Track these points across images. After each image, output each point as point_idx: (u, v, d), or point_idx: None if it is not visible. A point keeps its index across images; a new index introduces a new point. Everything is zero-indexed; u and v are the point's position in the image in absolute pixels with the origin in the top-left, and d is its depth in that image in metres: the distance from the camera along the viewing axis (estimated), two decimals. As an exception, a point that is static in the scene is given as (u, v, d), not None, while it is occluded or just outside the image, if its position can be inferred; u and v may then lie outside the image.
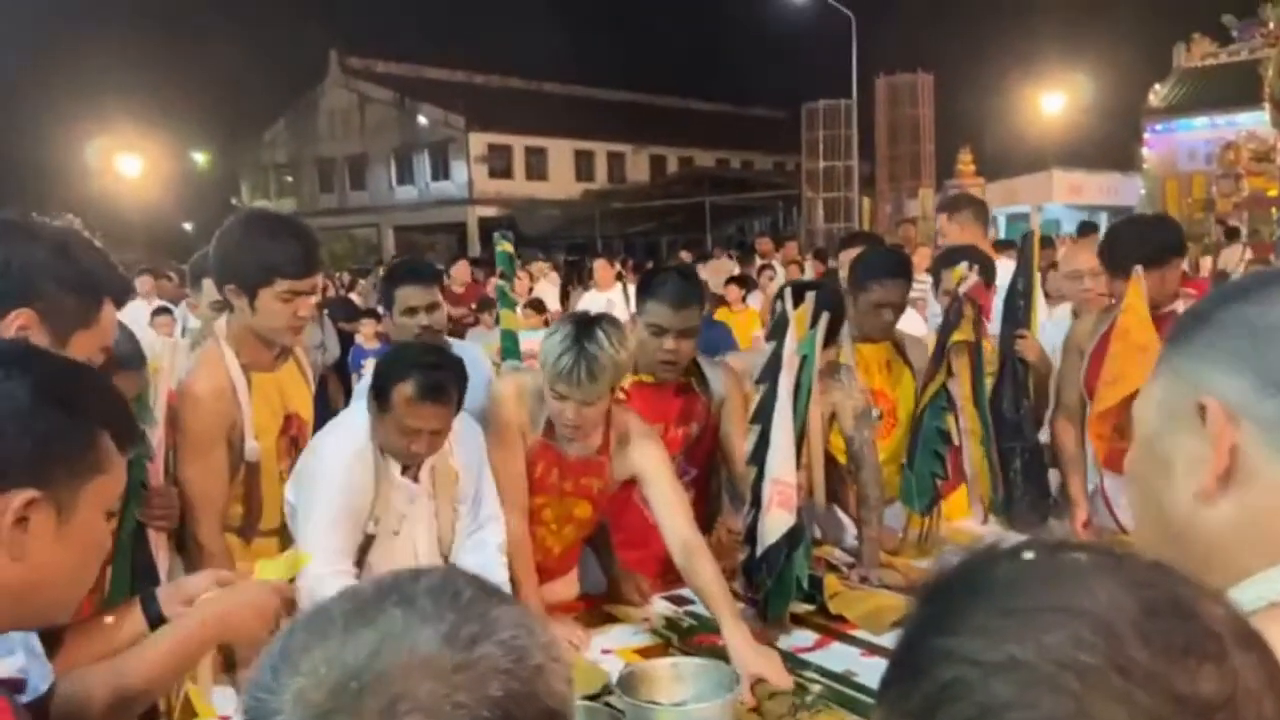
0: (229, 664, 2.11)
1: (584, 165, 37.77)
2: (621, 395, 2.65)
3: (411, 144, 36.58)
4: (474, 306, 9.04)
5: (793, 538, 2.38)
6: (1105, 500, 3.12)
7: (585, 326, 2.36)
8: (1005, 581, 0.56)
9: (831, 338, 2.74)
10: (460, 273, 10.26)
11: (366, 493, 2.33)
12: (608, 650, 2.38)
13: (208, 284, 3.15)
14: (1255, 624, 0.56)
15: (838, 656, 2.30)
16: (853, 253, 3.91)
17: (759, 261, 11.90)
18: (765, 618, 2.43)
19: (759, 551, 2.40)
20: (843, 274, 3.55)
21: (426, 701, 0.60)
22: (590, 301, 9.09)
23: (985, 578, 0.57)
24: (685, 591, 2.60)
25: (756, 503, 2.41)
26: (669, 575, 2.68)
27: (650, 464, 2.51)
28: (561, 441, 2.54)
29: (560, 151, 37.03)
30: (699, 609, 2.50)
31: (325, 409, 3.15)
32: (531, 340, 3.91)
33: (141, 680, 1.36)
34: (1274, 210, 15.20)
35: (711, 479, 3.03)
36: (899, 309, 3.19)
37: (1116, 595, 0.53)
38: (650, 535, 2.55)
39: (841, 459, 3.04)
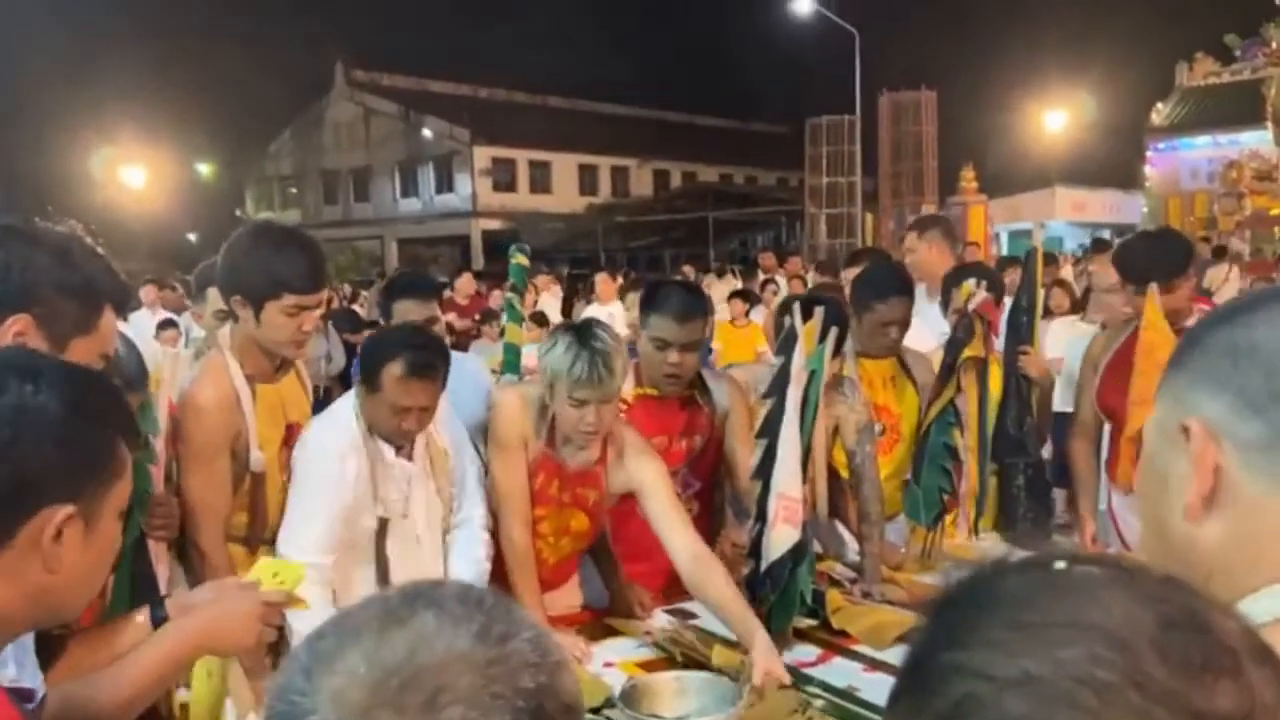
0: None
1: (588, 179, 37.87)
2: (622, 407, 2.65)
3: (416, 157, 36.71)
4: (477, 318, 9.05)
5: (797, 553, 2.38)
6: (1113, 518, 3.11)
7: (583, 331, 2.45)
8: (1016, 595, 0.56)
9: (836, 351, 2.74)
10: (465, 285, 10.31)
11: (360, 484, 2.38)
12: (610, 663, 2.37)
13: (212, 293, 3.15)
14: (1265, 638, 0.56)
15: (840, 672, 2.29)
16: (857, 270, 3.92)
17: (761, 276, 11.92)
18: (769, 632, 2.42)
19: (764, 566, 2.39)
20: (849, 291, 3.55)
21: (466, 693, 0.62)
22: (590, 314, 9.12)
23: (995, 591, 0.56)
24: (688, 605, 2.60)
25: (762, 517, 2.41)
26: (673, 589, 2.68)
27: (648, 477, 2.52)
28: (563, 451, 2.55)
29: (564, 165, 37.14)
30: (702, 623, 2.50)
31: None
32: (532, 355, 3.93)
33: (131, 688, 1.36)
34: (1276, 229, 15.24)
35: (715, 492, 3.02)
36: (904, 326, 3.18)
37: (1131, 610, 0.53)
38: (654, 548, 2.55)
39: (844, 473, 3.03)
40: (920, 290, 3.49)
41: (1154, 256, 2.95)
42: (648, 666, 2.33)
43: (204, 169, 38.73)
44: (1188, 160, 21.30)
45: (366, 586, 2.42)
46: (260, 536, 2.45)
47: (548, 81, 41.16)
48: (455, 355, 3.08)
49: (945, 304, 3.47)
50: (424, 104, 36.75)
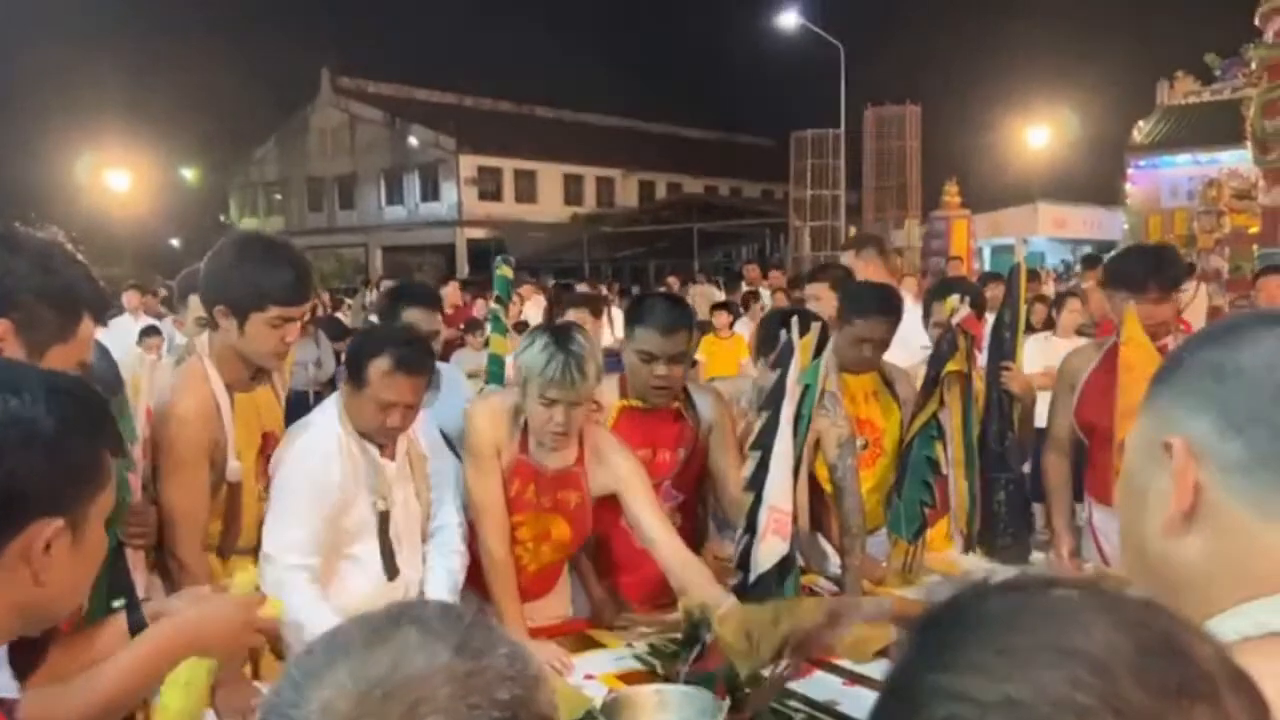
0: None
1: (573, 189, 37.91)
2: (597, 414, 2.67)
3: (401, 165, 36.64)
4: (462, 328, 9.03)
5: (784, 566, 2.38)
6: (1093, 533, 3.13)
7: (560, 333, 2.49)
8: (999, 617, 0.56)
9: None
10: (450, 295, 10.28)
11: (343, 486, 2.39)
12: (591, 675, 2.36)
13: (194, 300, 3.14)
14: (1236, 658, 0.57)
15: (821, 685, 2.29)
16: (818, 286, 4.03)
17: (745, 288, 11.94)
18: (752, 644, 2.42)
19: (751, 578, 2.39)
20: (811, 306, 3.62)
21: (445, 704, 0.65)
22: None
23: (978, 613, 0.57)
24: (672, 616, 2.59)
25: (751, 529, 2.41)
26: (660, 599, 2.68)
27: (627, 473, 2.59)
28: (539, 454, 2.57)
29: (550, 175, 37.16)
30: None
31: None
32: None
33: (109, 693, 1.34)
34: (1255, 247, 15.37)
35: (699, 505, 3.02)
36: (880, 346, 3.20)
37: (1111, 635, 0.54)
38: (641, 559, 2.55)
39: (827, 487, 3.04)
40: None
41: (1155, 264, 2.98)
42: (628, 679, 2.32)
43: (188, 174, 38.56)
44: (1168, 178, 21.48)
45: (365, 580, 2.43)
46: (234, 546, 2.43)
47: (534, 91, 41.30)
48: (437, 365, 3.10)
49: (926, 316, 3.48)
50: (410, 112, 36.71)
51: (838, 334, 3.16)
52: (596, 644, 2.59)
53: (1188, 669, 0.53)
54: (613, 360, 3.12)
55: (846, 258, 4.44)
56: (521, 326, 9.45)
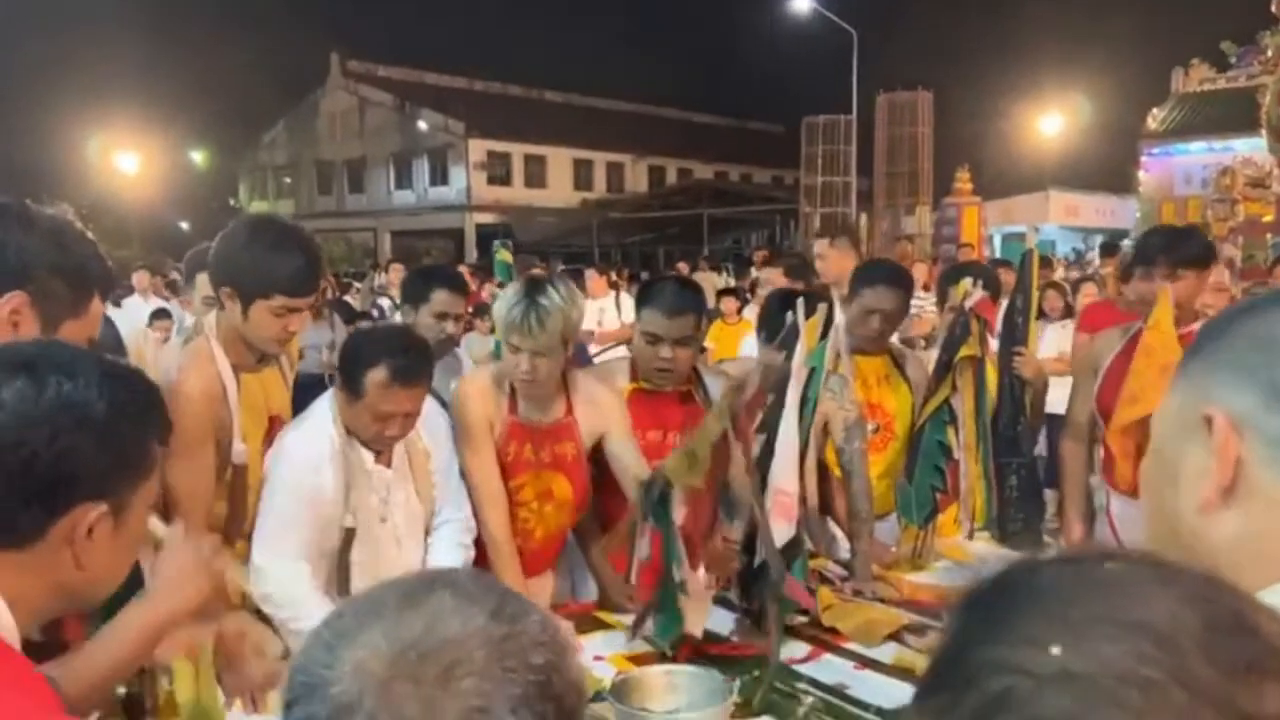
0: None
1: (583, 174, 37.82)
2: (565, 349, 2.67)
3: (411, 149, 36.60)
4: (470, 311, 9.03)
5: (791, 549, 2.37)
6: (1110, 521, 3.10)
7: (535, 283, 2.52)
8: (1053, 590, 0.54)
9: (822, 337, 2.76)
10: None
11: (334, 495, 2.34)
12: (600, 657, 2.36)
13: (202, 279, 3.13)
14: None
15: (830, 669, 2.28)
16: (772, 271, 4.15)
17: (753, 274, 11.90)
18: (760, 628, 2.42)
19: (757, 561, 2.38)
20: (762, 292, 3.72)
21: (481, 666, 0.66)
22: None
23: (1030, 586, 0.55)
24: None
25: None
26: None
27: (616, 416, 2.68)
28: (528, 412, 2.61)
29: (559, 160, 37.08)
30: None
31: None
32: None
33: (101, 668, 1.37)
34: (1269, 235, 15.27)
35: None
36: (889, 319, 3.18)
37: (1176, 609, 0.52)
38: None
39: (836, 471, 3.03)
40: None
41: (1169, 241, 2.95)
42: (638, 660, 2.32)
43: (198, 157, 38.59)
44: (1182, 166, 21.33)
45: (362, 583, 2.41)
46: (239, 529, 2.40)
47: (544, 75, 41.19)
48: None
49: (941, 302, 3.46)
50: (419, 96, 36.63)
51: (847, 309, 3.15)
52: (605, 625, 2.58)
53: (1257, 646, 0.51)
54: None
55: (820, 245, 4.45)
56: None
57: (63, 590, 1.09)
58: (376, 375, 2.25)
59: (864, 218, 23.72)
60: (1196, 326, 2.83)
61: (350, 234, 34.58)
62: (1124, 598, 0.53)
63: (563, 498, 2.69)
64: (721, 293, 9.25)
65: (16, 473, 1.01)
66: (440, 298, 3.03)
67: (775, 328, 2.61)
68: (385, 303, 9.86)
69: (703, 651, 2.30)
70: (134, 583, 2.06)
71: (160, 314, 8.41)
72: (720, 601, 2.57)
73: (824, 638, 2.46)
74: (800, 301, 2.51)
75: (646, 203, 33.93)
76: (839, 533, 3.13)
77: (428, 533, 2.57)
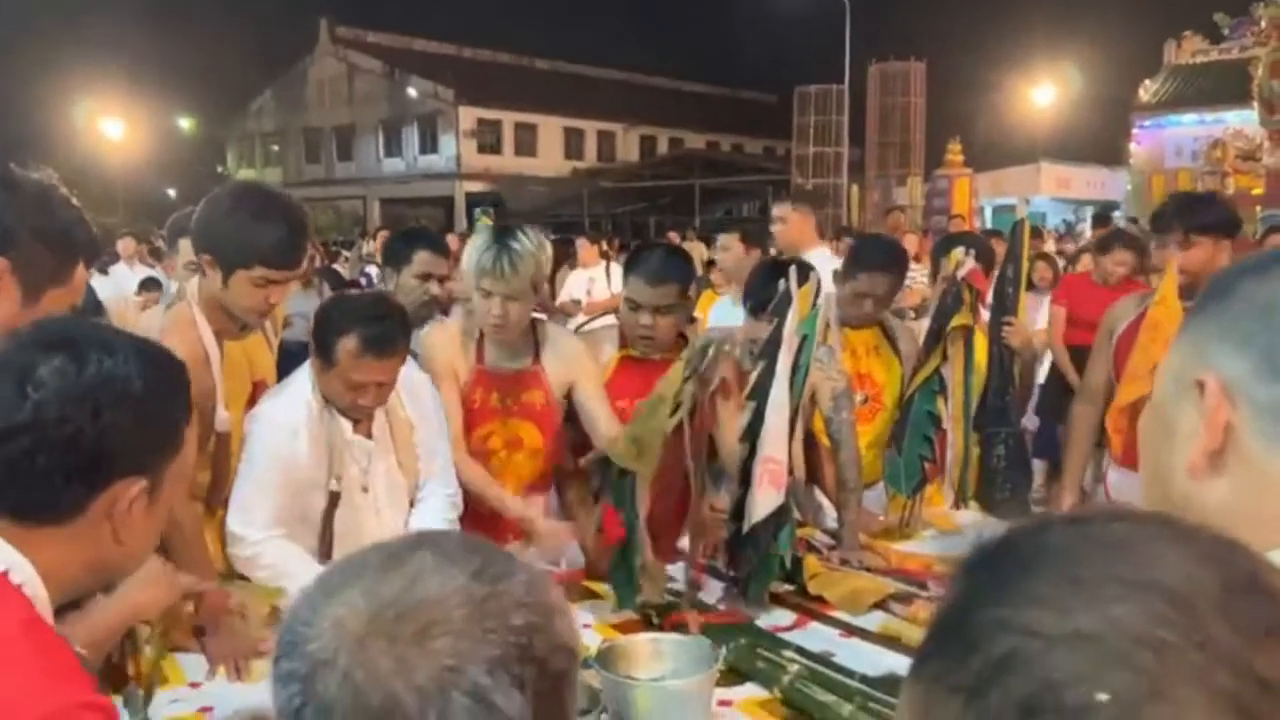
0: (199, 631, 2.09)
1: (574, 143, 37.62)
2: (534, 295, 2.69)
3: (400, 116, 36.33)
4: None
5: (779, 517, 2.37)
6: (1106, 490, 3.09)
7: (505, 229, 2.57)
8: (1062, 550, 0.52)
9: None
10: (450, 246, 10.20)
11: (311, 461, 2.33)
12: (586, 625, 2.36)
13: (184, 244, 3.09)
14: None
15: (816, 637, 2.29)
16: (729, 237, 4.28)
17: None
18: (746, 596, 2.42)
19: (745, 529, 2.38)
20: (719, 256, 3.84)
21: (459, 626, 0.67)
22: (573, 278, 9.07)
23: (1037, 546, 0.53)
24: (670, 569, 2.59)
25: (746, 479, 2.40)
26: (660, 552, 2.67)
27: (586, 365, 2.72)
28: (495, 360, 2.64)
29: (550, 128, 36.86)
30: (679, 586, 2.50)
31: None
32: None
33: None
34: (1258, 208, 15.30)
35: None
36: (880, 302, 3.19)
37: (1191, 569, 0.50)
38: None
39: (824, 440, 3.03)
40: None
41: (1206, 205, 2.93)
42: (624, 628, 2.32)
43: (185, 124, 38.25)
44: (1173, 138, 21.32)
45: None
46: (221, 498, 2.39)
47: (535, 43, 40.85)
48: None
49: (934, 273, 3.46)
50: (409, 63, 36.33)
51: (840, 288, 3.15)
52: (592, 594, 2.58)
53: (1275, 609, 0.49)
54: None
55: (781, 208, 4.48)
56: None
57: (99, 564, 1.11)
58: (348, 343, 2.21)
59: (855, 188, 23.68)
60: None
61: (339, 202, 34.38)
62: (1136, 557, 0.51)
63: (533, 446, 2.72)
64: (710, 263, 9.23)
65: (60, 449, 1.02)
66: (422, 258, 3.00)
67: (764, 299, 2.59)
68: (374, 271, 9.79)
69: (685, 621, 2.30)
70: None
71: (150, 283, 8.33)
72: (709, 570, 2.58)
73: (810, 606, 2.46)
74: (793, 270, 2.49)
75: (638, 172, 33.77)
76: (826, 502, 3.13)
77: (412, 504, 2.54)
